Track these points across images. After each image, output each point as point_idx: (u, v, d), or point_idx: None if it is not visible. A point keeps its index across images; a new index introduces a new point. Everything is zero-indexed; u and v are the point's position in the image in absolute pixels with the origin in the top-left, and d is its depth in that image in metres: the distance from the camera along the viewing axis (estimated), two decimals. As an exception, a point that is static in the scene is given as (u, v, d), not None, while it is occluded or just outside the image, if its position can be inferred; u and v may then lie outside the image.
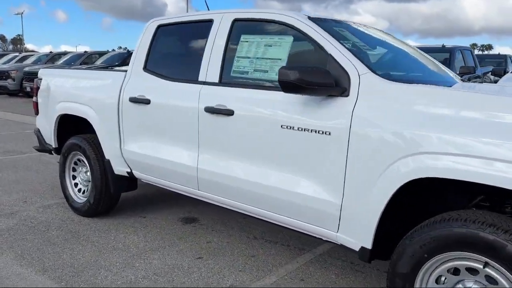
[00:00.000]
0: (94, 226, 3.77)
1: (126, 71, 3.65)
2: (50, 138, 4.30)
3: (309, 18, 2.67)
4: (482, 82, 8.35)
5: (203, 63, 3.04)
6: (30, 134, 8.01)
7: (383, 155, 2.08)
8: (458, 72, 7.62)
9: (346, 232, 2.32)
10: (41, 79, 4.40)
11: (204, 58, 3.04)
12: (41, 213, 4.05)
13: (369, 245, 2.19)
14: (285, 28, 2.71)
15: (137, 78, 3.50)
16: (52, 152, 4.39)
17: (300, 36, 2.63)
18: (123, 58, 14.24)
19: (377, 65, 2.44)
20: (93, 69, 4.90)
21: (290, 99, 2.49)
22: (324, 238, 2.50)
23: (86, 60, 16.19)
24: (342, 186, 2.27)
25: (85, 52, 17.45)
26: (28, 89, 15.06)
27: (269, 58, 2.72)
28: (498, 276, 1.79)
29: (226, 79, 2.91)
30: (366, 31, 3.14)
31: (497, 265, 1.76)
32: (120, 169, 3.69)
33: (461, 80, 3.26)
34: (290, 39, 2.69)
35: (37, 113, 4.54)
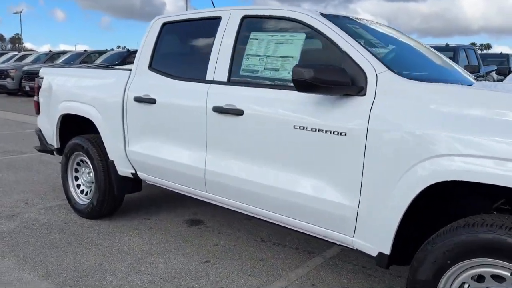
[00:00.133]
0: (98, 228, 3.68)
1: (130, 69, 3.56)
2: (52, 138, 4.20)
3: (322, 14, 2.59)
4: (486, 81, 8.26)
5: (211, 62, 2.95)
6: (30, 134, 7.91)
7: (404, 157, 1.99)
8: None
9: (363, 237, 2.23)
10: (42, 78, 4.31)
11: (212, 57, 2.95)
12: (43, 215, 3.96)
13: (387, 251, 2.10)
14: (296, 25, 2.62)
15: (142, 77, 3.41)
16: (54, 152, 4.30)
17: (312, 33, 2.54)
18: (123, 57, 14.17)
19: (393, 63, 2.35)
20: (94, 68, 4.81)
21: (303, 99, 2.41)
22: (339, 243, 2.41)
23: (85, 59, 16.09)
24: (359, 188, 2.18)
25: (85, 51, 17.34)
26: (27, 88, 14.98)
27: (281, 56, 2.63)
28: (527, 284, 1.72)
29: (235, 78, 2.82)
30: (378, 29, 3.05)
31: (527, 273, 1.68)
32: (124, 170, 3.60)
33: (475, 79, 3.17)
34: (302, 36, 2.60)
35: (38, 112, 4.46)
